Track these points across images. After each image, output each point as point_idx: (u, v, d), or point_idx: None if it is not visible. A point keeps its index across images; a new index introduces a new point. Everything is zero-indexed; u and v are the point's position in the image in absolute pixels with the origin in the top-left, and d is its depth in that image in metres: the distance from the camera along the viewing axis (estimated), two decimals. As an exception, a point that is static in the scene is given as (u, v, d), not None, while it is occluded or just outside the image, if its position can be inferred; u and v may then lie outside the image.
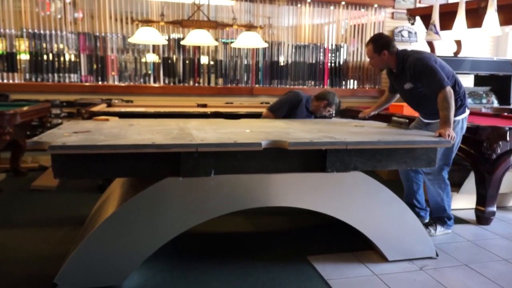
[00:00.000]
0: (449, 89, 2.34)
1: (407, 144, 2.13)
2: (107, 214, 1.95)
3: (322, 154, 2.03)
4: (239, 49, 5.50)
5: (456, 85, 2.54)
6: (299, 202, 2.08)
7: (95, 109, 3.33)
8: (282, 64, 5.91)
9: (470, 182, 3.12)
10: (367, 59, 6.12)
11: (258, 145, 1.92)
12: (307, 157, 2.04)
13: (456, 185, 3.14)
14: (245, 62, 5.70)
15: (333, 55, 6.17)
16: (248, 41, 3.97)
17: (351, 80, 6.26)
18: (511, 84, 5.96)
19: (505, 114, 4.39)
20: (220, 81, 5.49)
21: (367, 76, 6.27)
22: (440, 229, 2.66)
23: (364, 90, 6.25)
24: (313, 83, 6.05)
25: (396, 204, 2.23)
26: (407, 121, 2.63)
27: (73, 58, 4.74)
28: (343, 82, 6.21)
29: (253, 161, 1.97)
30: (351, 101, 6.16)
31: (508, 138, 2.82)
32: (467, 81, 6.73)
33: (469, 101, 5.82)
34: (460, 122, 2.56)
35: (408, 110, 3.95)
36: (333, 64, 6.22)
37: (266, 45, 4.43)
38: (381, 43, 2.57)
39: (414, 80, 2.50)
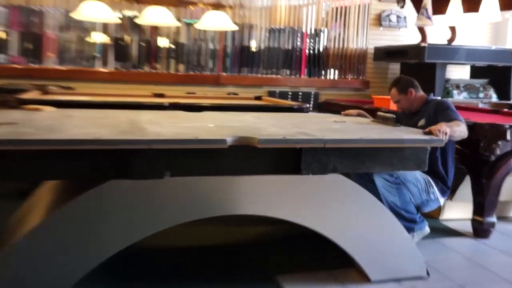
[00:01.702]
0: (466, 131, 2.64)
1: (394, 143, 2.15)
2: (30, 226, 1.85)
3: (296, 154, 2.03)
4: (204, 31, 5.43)
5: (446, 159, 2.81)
6: (269, 210, 2.07)
7: (26, 96, 3.18)
8: (253, 49, 5.90)
9: (466, 188, 3.18)
10: (350, 46, 6.21)
11: (223, 142, 1.91)
12: (280, 157, 2.03)
13: (451, 191, 3.19)
14: (211, 47, 5.64)
15: (311, 40, 6.21)
16: (215, 22, 3.92)
17: (332, 70, 6.32)
18: (511, 76, 6.18)
19: (505, 110, 4.54)
20: (181, 67, 5.45)
21: (350, 65, 6.36)
22: (414, 237, 2.69)
23: (346, 81, 6.33)
24: (288, 72, 6.09)
25: (381, 214, 2.25)
26: (394, 116, 2.66)
27: (0, 35, 4.56)
28: (323, 72, 6.27)
29: (217, 161, 1.96)
30: (331, 93, 6.23)
31: (508, 137, 2.89)
32: (462, 72, 6.93)
33: (464, 95, 5.98)
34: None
35: (394, 104, 4.00)
36: (311, 51, 6.26)
37: (235, 27, 4.39)
38: (404, 83, 2.97)
39: (431, 116, 2.76)
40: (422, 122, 2.82)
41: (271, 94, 5.86)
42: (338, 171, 2.10)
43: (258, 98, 4.91)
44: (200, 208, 1.98)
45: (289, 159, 2.04)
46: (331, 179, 2.12)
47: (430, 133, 2.33)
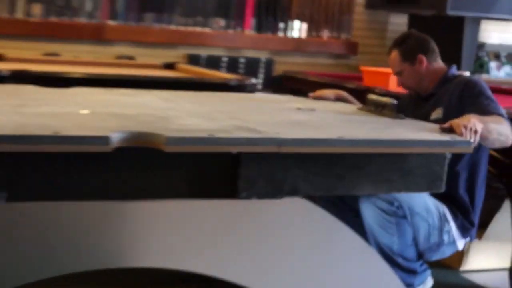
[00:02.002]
0: (509, 127, 2.72)
1: (394, 146, 2.20)
2: None
3: (231, 164, 2.03)
4: None
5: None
6: (182, 261, 2.06)
7: None
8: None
9: (503, 221, 3.32)
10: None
11: (103, 142, 1.89)
12: (203, 169, 2.05)
13: (478, 225, 3.32)
14: (90, -25, 5.56)
15: (263, -29, 6.30)
16: None
17: (296, 22, 6.44)
18: None
19: None
20: (37, 10, 5.34)
21: (327, 15, 6.50)
22: None
23: (320, 42, 6.47)
24: (223, 23, 6.13)
25: (371, 265, 2.29)
26: (395, 102, 2.73)
27: None
28: (281, 25, 6.35)
29: (92, 175, 1.95)
30: (294, 62, 6.33)
31: None
32: (505, 34, 7.25)
33: (507, 70, 6.26)
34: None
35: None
36: (263, -11, 6.35)
37: None
38: (412, 43, 3.07)
39: (454, 105, 2.84)
40: (438, 113, 2.92)
41: (193, 59, 5.87)
42: (301, 192, 2.12)
43: (169, 66, 4.90)
44: (61, 259, 1.94)
45: (218, 172, 2.05)
46: (289, 207, 2.13)
47: (450, 130, 2.40)
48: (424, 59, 3.04)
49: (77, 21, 5.46)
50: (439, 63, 3.12)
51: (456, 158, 2.71)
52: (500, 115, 2.76)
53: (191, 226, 2.06)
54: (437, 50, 3.13)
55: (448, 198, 2.82)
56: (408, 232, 2.72)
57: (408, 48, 3.07)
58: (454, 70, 3.12)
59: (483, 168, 2.93)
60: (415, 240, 2.76)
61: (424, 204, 2.75)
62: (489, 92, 2.91)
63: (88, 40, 5.49)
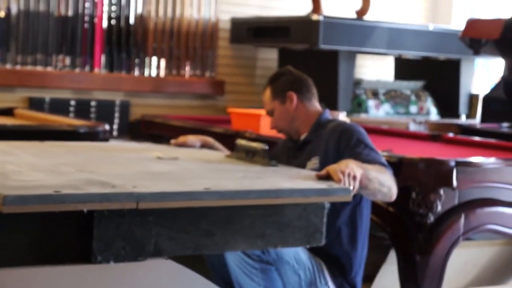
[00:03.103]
0: (392, 178, 2.81)
1: (267, 196, 2.24)
2: None
3: (84, 223, 2.01)
4: None
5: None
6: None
7: None
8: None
9: (390, 273, 3.45)
10: (187, 14, 6.40)
11: None
12: (50, 231, 2.01)
13: (364, 279, 3.42)
14: None
15: (113, 1, 6.31)
16: None
17: (154, 59, 6.46)
18: (459, 78, 6.93)
19: (449, 135, 5.07)
20: None
21: (188, 50, 6.57)
22: None
23: (183, 81, 6.52)
24: (68, 61, 6.07)
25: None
26: (266, 147, 2.79)
27: None
28: (137, 63, 6.35)
29: None
30: (154, 104, 6.34)
31: (454, 183, 3.22)
32: (382, 69, 7.61)
33: (386, 109, 6.54)
34: None
35: (269, 124, 4.18)
36: (113, 22, 6.35)
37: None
38: (284, 81, 3.16)
39: (331, 156, 2.88)
40: (314, 163, 2.96)
41: (35, 104, 5.77)
42: (166, 253, 2.12)
43: (6, 112, 4.77)
44: None
45: (69, 234, 2.02)
46: (153, 270, 2.13)
47: (327, 177, 2.46)
48: (295, 96, 3.11)
49: None
50: (313, 105, 3.19)
51: (336, 212, 2.74)
52: (383, 164, 2.84)
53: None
54: (313, 91, 3.21)
55: (327, 255, 2.88)
56: (277, 282, 2.75)
57: (280, 85, 3.14)
58: (327, 114, 3.20)
59: (365, 222, 3.00)
60: None
61: (295, 254, 2.78)
62: (368, 140, 2.99)
63: None
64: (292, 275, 2.78)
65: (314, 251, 2.85)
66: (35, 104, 5.70)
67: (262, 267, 2.71)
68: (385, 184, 2.71)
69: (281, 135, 3.32)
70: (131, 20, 6.26)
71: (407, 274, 3.27)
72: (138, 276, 2.13)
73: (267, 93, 3.17)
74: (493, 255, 3.86)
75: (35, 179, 2.17)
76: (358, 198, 2.87)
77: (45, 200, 1.93)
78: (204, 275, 2.37)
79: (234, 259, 2.67)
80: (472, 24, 5.77)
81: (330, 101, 5.82)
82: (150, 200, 2.04)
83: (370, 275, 3.47)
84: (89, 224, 2.00)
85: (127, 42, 6.24)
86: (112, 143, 3.68)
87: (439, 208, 3.21)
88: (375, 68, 7.50)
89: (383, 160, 2.88)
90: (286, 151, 3.20)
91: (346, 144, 2.90)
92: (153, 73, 6.34)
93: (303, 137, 3.13)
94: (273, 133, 3.45)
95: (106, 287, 2.10)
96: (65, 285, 2.05)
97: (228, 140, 3.47)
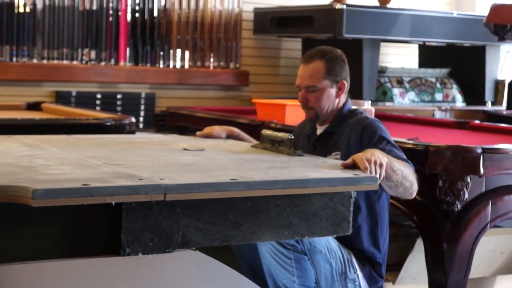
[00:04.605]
0: (414, 174, 2.79)
1: (294, 186, 2.23)
2: None
3: (112, 216, 2.02)
4: None
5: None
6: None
7: None
8: (21, 9, 5.81)
9: (417, 261, 3.44)
10: (210, 6, 6.40)
11: None
12: (78, 224, 2.02)
13: (391, 267, 3.42)
14: None
15: (138, -4, 6.32)
16: None
17: (179, 51, 6.47)
18: (485, 65, 6.89)
19: (476, 122, 5.03)
20: None
21: (212, 43, 6.57)
22: None
23: (208, 73, 6.52)
24: (94, 54, 6.10)
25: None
26: (291, 137, 2.78)
27: None
28: (162, 55, 6.37)
29: None
30: (178, 96, 6.35)
31: (481, 170, 3.20)
32: (406, 57, 7.57)
33: (410, 96, 6.51)
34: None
35: (294, 114, 4.20)
36: (137, 16, 6.36)
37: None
38: (341, 65, 3.09)
39: (352, 150, 2.85)
40: (335, 157, 2.95)
41: (62, 98, 5.81)
42: (193, 244, 2.12)
43: (34, 106, 4.82)
44: None
45: (97, 227, 2.04)
46: (181, 261, 2.13)
47: (353, 166, 2.46)
48: (345, 88, 3.09)
49: None
50: (345, 97, 3.16)
51: (356, 209, 2.71)
52: (406, 160, 2.83)
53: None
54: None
55: (353, 249, 2.90)
56: (310, 271, 2.76)
57: (337, 67, 3.08)
58: (349, 104, 3.17)
59: (385, 218, 3.00)
60: (317, 284, 2.80)
61: (326, 243, 2.79)
62: (390, 137, 2.98)
63: None
64: (324, 264, 2.78)
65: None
66: (62, 98, 5.74)
67: (296, 257, 2.72)
68: (408, 178, 2.71)
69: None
70: (155, 13, 6.28)
71: (435, 262, 3.26)
72: (166, 267, 2.14)
73: (318, 66, 3.04)
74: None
75: (63, 173, 2.18)
76: (378, 195, 2.87)
77: (74, 194, 1.94)
78: (232, 266, 2.37)
79: (267, 249, 2.68)
80: (497, 9, 5.71)
81: (354, 90, 5.77)
82: (177, 192, 2.05)
83: (397, 263, 3.48)
84: (117, 216, 2.02)
85: (151, 34, 6.26)
86: (138, 135, 3.70)
87: (466, 195, 3.20)
88: (400, 56, 7.47)
89: (405, 156, 2.86)
90: (304, 138, 3.19)
91: (369, 141, 2.89)
92: (178, 65, 6.36)
93: (324, 127, 3.11)
94: (299, 122, 3.43)
95: (134, 279, 2.11)
96: (94, 277, 2.06)
97: (253, 130, 3.48)
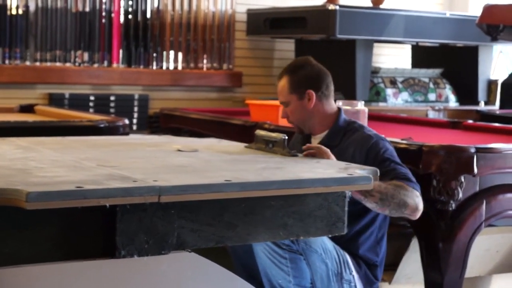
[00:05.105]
0: (420, 207, 2.84)
1: (288, 186, 2.24)
2: None
3: (106, 218, 2.02)
4: None
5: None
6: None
7: None
8: (12, 11, 5.80)
9: (412, 261, 3.45)
10: (203, 7, 6.41)
11: None
12: (73, 227, 2.02)
13: (386, 267, 3.43)
14: None
15: (130, -3, 6.32)
16: None
17: (172, 53, 6.48)
18: (478, 65, 6.91)
19: (469, 121, 5.05)
20: None
21: (205, 44, 6.58)
22: None
23: (201, 74, 6.53)
24: (87, 56, 6.09)
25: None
26: (285, 137, 2.78)
27: None
28: (155, 56, 6.37)
29: None
30: (172, 97, 6.35)
31: (475, 169, 3.22)
32: (399, 57, 7.58)
33: (403, 97, 6.53)
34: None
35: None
36: (130, 17, 6.36)
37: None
38: (304, 76, 3.08)
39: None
40: None
41: (55, 100, 5.80)
42: (189, 245, 2.12)
43: (27, 109, 4.81)
44: None
45: (92, 229, 2.04)
46: (177, 263, 2.14)
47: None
48: (314, 96, 3.06)
49: None
50: (330, 104, 3.15)
51: (354, 217, 2.75)
52: (411, 180, 2.86)
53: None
54: (332, 87, 3.17)
55: (351, 253, 2.92)
56: (305, 271, 2.78)
57: (299, 79, 3.08)
58: (344, 115, 3.16)
59: (385, 223, 3.05)
60: (313, 284, 2.81)
61: (322, 243, 2.80)
62: (394, 154, 3.00)
63: None
64: (320, 264, 2.80)
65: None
66: (55, 100, 5.74)
67: (291, 257, 2.73)
68: (411, 201, 2.77)
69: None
70: (148, 14, 6.28)
71: (430, 262, 3.28)
72: (161, 269, 2.14)
73: (284, 83, 3.10)
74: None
75: (57, 175, 2.18)
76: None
77: (68, 196, 1.94)
78: (227, 266, 2.37)
79: (262, 249, 2.70)
80: (489, 10, 5.74)
81: (348, 90, 5.82)
82: (171, 193, 2.05)
83: (393, 263, 3.49)
84: (112, 219, 2.01)
85: (144, 36, 6.27)
86: (132, 136, 3.70)
87: (460, 195, 3.22)
88: (393, 57, 7.49)
89: (410, 175, 2.89)
90: (298, 148, 3.18)
91: (373, 162, 2.84)
92: (171, 66, 6.37)
93: (319, 137, 3.11)
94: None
95: (130, 281, 2.11)
96: (90, 280, 2.06)
97: (247, 131, 3.48)
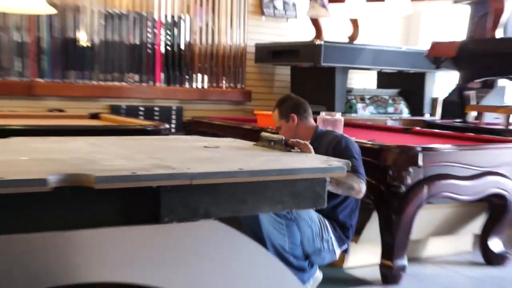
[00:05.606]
0: (363, 190, 2.97)
1: (284, 173, 2.27)
2: None
3: (153, 195, 2.05)
4: (4, 14, 5.23)
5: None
6: (117, 274, 2.02)
7: None
8: (83, 44, 5.83)
9: (373, 227, 3.50)
10: (223, 41, 6.45)
11: (42, 183, 1.86)
12: (129, 201, 2.05)
13: (355, 232, 3.48)
14: (18, 39, 5.44)
15: (168, 32, 6.34)
16: (20, 2, 3.79)
17: (199, 75, 6.48)
18: (425, 86, 6.92)
19: (417, 128, 5.08)
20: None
21: (224, 68, 6.59)
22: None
23: (221, 91, 6.55)
24: (137, 77, 6.11)
25: (275, 272, 2.34)
26: (283, 138, 2.80)
27: None
28: (187, 78, 6.40)
29: (35, 212, 1.91)
30: (200, 108, 6.37)
31: (420, 163, 3.26)
32: (367, 80, 7.56)
33: (370, 109, 6.54)
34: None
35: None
36: (169, 48, 6.37)
37: (54, 11, 4.30)
38: (287, 106, 3.31)
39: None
40: None
41: (115, 110, 5.83)
42: (212, 215, 2.15)
43: (94, 116, 4.84)
44: (12, 283, 1.90)
45: (143, 203, 2.06)
46: (204, 228, 2.15)
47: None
48: (296, 118, 3.25)
49: (9, 80, 5.33)
50: (309, 122, 3.31)
51: (334, 195, 2.95)
52: (360, 173, 2.98)
53: (123, 247, 2.02)
54: (309, 111, 3.33)
55: (330, 218, 3.01)
56: (296, 233, 2.87)
57: (285, 108, 3.27)
58: (320, 127, 3.34)
59: (358, 201, 3.15)
60: (302, 243, 2.89)
61: (308, 213, 2.93)
62: (355, 150, 3.13)
63: (21, 95, 5.37)
64: (307, 228, 2.90)
65: (323, 215, 2.99)
66: (115, 110, 5.76)
67: (286, 223, 2.84)
68: (346, 184, 2.90)
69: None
70: (182, 47, 6.31)
71: (386, 228, 3.33)
72: (192, 234, 2.16)
73: (276, 113, 3.31)
74: (447, 215, 3.89)
75: (117, 164, 2.21)
76: None
77: (125, 179, 1.98)
78: (239, 231, 2.40)
79: (266, 219, 2.76)
80: (435, 45, 5.75)
81: (329, 104, 5.84)
82: (200, 178, 2.08)
83: (358, 229, 3.55)
84: (157, 195, 2.04)
85: (179, 63, 6.29)
86: (171, 137, 3.72)
87: (409, 181, 3.26)
88: (363, 80, 7.49)
89: (361, 168, 3.04)
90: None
91: (340, 154, 2.96)
92: (199, 85, 6.38)
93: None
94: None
95: (171, 242, 2.13)
96: (141, 240, 2.08)
97: (255, 133, 3.51)
